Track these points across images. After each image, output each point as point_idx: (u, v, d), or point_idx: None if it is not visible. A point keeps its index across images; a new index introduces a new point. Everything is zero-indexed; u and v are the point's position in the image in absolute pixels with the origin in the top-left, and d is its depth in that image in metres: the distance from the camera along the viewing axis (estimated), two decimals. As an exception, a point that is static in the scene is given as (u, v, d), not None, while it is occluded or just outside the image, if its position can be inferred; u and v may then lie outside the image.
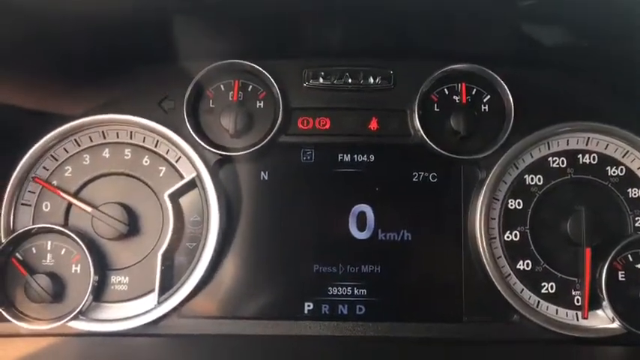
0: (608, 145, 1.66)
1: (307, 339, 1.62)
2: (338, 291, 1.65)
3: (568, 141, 1.67)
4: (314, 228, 1.67)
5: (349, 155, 1.70)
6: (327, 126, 1.69)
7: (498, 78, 1.64)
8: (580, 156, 1.66)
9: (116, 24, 1.49)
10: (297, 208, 1.68)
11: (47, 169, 1.66)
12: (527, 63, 1.67)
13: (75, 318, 1.57)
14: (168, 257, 1.62)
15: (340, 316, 1.64)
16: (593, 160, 1.66)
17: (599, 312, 1.60)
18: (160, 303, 1.59)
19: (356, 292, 1.65)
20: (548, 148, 1.67)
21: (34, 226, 1.61)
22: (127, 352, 1.57)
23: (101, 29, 1.50)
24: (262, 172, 1.69)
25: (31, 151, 1.64)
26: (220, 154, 1.65)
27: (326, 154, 1.70)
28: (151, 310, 1.60)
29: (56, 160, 1.66)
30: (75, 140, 1.67)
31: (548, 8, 1.40)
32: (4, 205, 1.63)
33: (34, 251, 1.62)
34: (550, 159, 1.66)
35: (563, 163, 1.66)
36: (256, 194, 1.68)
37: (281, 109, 1.64)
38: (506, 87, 1.64)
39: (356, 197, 1.68)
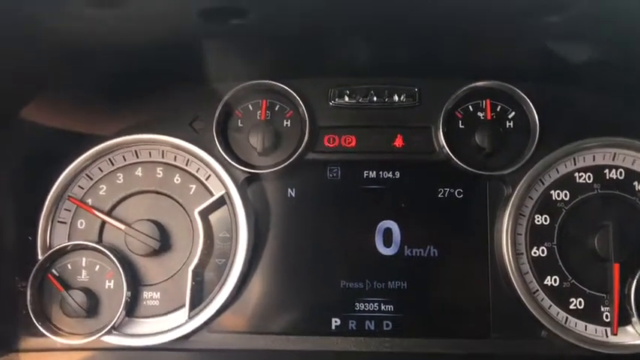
0: (635, 160, 1.66)
1: (335, 354, 1.63)
2: (365, 307, 1.67)
3: (594, 156, 1.67)
4: (340, 244, 1.69)
5: (375, 172, 1.72)
6: (353, 143, 1.71)
7: (523, 94, 1.65)
8: (607, 171, 1.66)
9: (148, 48, 1.54)
10: (323, 224, 1.70)
11: (82, 188, 1.71)
12: (552, 78, 1.68)
13: (108, 333, 1.60)
14: (198, 273, 1.65)
15: (367, 331, 1.65)
16: (620, 175, 1.66)
17: (629, 328, 1.59)
18: (190, 318, 1.62)
19: (383, 307, 1.66)
20: (574, 164, 1.67)
21: (69, 243, 1.66)
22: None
23: (134, 53, 1.55)
24: (289, 189, 1.72)
25: (66, 170, 1.69)
26: (248, 172, 1.68)
27: (352, 171, 1.72)
28: (182, 325, 1.62)
29: (91, 179, 1.71)
30: (109, 159, 1.72)
31: (574, 25, 1.41)
32: (41, 223, 1.67)
33: (70, 267, 1.66)
34: (576, 174, 1.66)
35: (589, 179, 1.66)
36: (284, 211, 1.71)
37: (307, 128, 1.67)
38: (530, 103, 1.64)
39: (382, 213, 1.70)
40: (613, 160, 1.66)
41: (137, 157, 1.72)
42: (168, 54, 1.57)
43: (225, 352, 1.64)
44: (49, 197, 1.68)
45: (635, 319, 1.55)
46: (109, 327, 1.59)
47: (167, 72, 1.67)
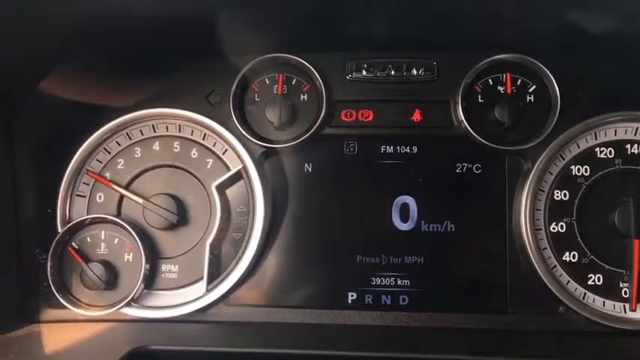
0: (657, 135, 1.63)
1: (351, 328, 1.64)
2: (381, 281, 1.67)
3: (616, 131, 1.64)
4: (357, 219, 1.69)
5: (392, 147, 1.71)
6: (370, 118, 1.70)
7: (544, 68, 1.62)
8: (628, 146, 1.63)
9: (165, 20, 1.53)
10: (340, 199, 1.70)
11: (100, 162, 1.72)
12: (573, 52, 1.65)
13: (127, 305, 1.62)
14: (215, 247, 1.66)
15: (384, 306, 1.66)
16: (642, 150, 1.63)
17: (648, 304, 1.58)
18: (208, 291, 1.64)
19: (399, 282, 1.67)
20: (596, 139, 1.64)
21: (88, 217, 1.67)
22: (176, 338, 1.63)
23: (150, 26, 1.54)
24: (306, 164, 1.71)
25: (85, 144, 1.70)
26: (265, 147, 1.68)
27: (369, 146, 1.71)
28: (200, 297, 1.64)
29: (109, 152, 1.73)
30: (127, 134, 1.73)
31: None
32: (60, 197, 1.69)
33: (89, 240, 1.68)
34: (597, 149, 1.64)
35: (610, 154, 1.63)
36: (300, 185, 1.71)
37: (324, 102, 1.67)
38: (552, 77, 1.62)
39: (399, 188, 1.69)
40: (635, 134, 1.64)
41: (154, 131, 1.73)
42: (185, 27, 1.56)
43: (242, 325, 1.66)
44: (67, 171, 1.70)
45: (654, 295, 1.54)
46: (129, 299, 1.61)
47: (184, 45, 1.66)
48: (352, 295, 1.67)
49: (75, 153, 1.70)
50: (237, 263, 1.66)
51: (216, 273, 1.66)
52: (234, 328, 1.66)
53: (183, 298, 1.66)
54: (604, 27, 1.51)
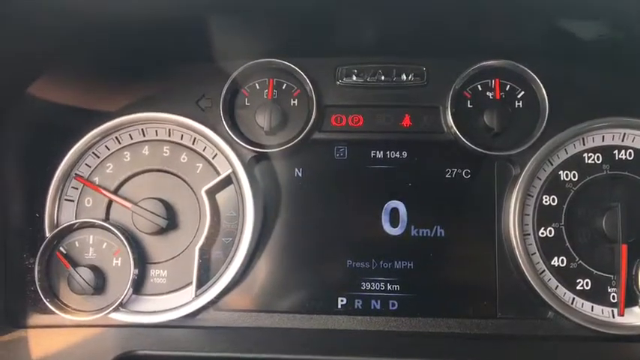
0: (644, 140, 1.65)
1: (340, 333, 1.64)
2: (371, 286, 1.67)
3: (603, 137, 1.65)
4: (347, 224, 1.69)
5: (382, 152, 1.71)
6: (360, 123, 1.71)
7: (532, 74, 1.64)
8: (616, 152, 1.65)
9: (154, 24, 1.53)
10: (330, 204, 1.70)
11: (89, 166, 1.71)
12: (561, 58, 1.66)
13: (116, 310, 1.61)
14: (205, 251, 1.65)
15: (373, 311, 1.66)
16: (629, 156, 1.64)
17: (636, 309, 1.59)
18: (197, 296, 1.63)
19: (389, 287, 1.66)
20: (584, 144, 1.65)
21: (76, 221, 1.67)
22: (164, 343, 1.62)
23: (140, 29, 1.54)
24: (296, 169, 1.71)
25: (73, 148, 1.69)
26: (255, 151, 1.68)
27: (359, 151, 1.71)
28: (189, 302, 1.63)
29: (98, 157, 1.72)
30: (116, 138, 1.72)
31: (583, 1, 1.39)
32: (48, 201, 1.68)
33: (77, 245, 1.67)
34: (585, 155, 1.65)
35: (598, 159, 1.64)
36: (291, 190, 1.71)
37: (315, 107, 1.67)
38: (540, 83, 1.63)
39: (389, 194, 1.69)
40: (622, 140, 1.65)
41: (144, 135, 1.72)
42: (175, 31, 1.56)
43: (231, 330, 1.65)
44: (56, 175, 1.69)
45: (642, 300, 1.55)
46: (117, 304, 1.60)
47: (174, 49, 1.67)
48: (342, 300, 1.67)
49: (63, 157, 1.69)
50: (226, 268, 1.65)
51: (205, 278, 1.65)
52: (223, 333, 1.65)
53: (172, 303, 1.65)
54: (592, 34, 1.52)
